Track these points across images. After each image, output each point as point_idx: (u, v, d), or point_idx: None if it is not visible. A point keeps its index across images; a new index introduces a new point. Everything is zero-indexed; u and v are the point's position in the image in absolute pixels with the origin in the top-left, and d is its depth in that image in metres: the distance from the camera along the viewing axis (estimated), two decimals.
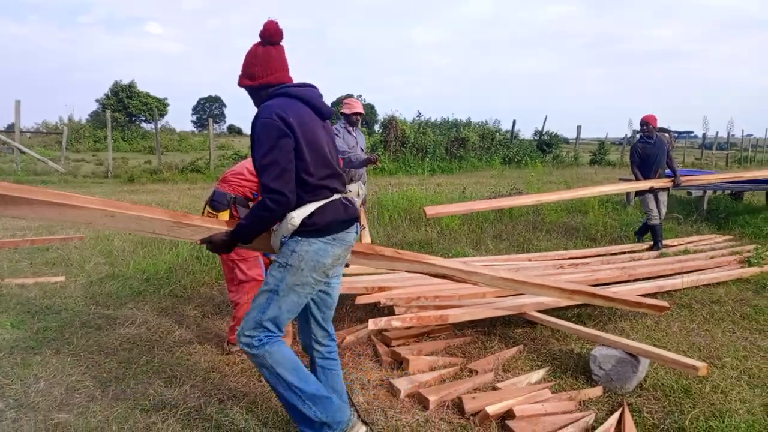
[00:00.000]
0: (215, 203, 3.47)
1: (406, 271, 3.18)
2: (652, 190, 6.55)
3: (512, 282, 3.41)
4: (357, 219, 2.49)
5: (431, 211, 5.31)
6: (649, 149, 6.59)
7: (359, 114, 5.30)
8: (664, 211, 6.77)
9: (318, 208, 2.28)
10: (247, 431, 2.66)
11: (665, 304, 3.89)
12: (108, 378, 3.18)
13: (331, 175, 2.37)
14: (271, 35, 2.35)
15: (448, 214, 5.76)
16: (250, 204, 3.57)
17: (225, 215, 3.44)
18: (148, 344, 3.70)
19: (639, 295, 4.08)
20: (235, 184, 3.52)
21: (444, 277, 3.21)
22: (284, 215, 2.24)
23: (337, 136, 5.17)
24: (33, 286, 4.82)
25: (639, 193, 6.80)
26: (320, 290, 2.46)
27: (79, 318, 4.12)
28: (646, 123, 6.64)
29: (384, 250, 2.96)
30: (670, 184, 6.61)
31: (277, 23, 2.36)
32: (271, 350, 2.30)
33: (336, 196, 2.38)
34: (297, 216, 2.24)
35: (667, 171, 6.76)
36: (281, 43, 2.41)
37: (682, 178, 6.78)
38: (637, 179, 6.67)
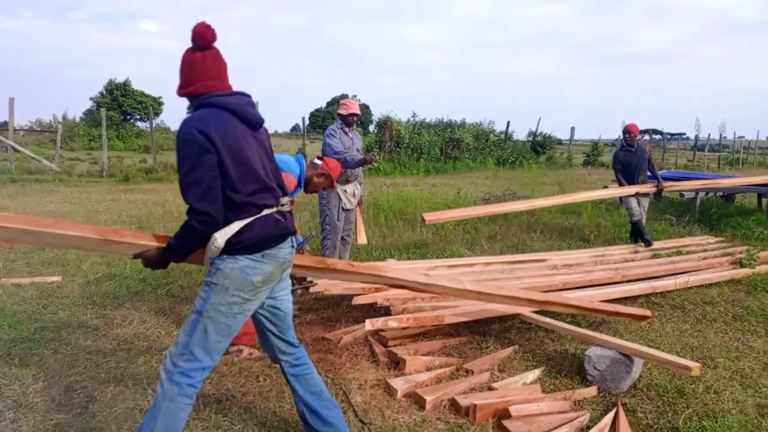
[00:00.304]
0: None
1: (364, 283, 3.17)
2: (637, 195, 6.81)
3: (476, 294, 3.37)
4: (291, 233, 2.34)
5: (430, 217, 5.43)
6: (630, 157, 6.90)
7: (355, 115, 5.30)
8: (644, 216, 7.00)
9: (245, 226, 2.14)
10: (245, 431, 2.68)
11: (647, 312, 3.88)
12: (106, 378, 3.19)
13: (260, 189, 2.21)
14: (197, 39, 2.18)
15: (446, 219, 5.84)
16: None
17: None
18: (145, 344, 3.71)
19: (625, 298, 4.13)
20: None
21: (403, 287, 3.16)
22: (211, 235, 2.11)
23: (333, 136, 5.19)
24: (29, 286, 4.82)
25: (621, 199, 7.16)
26: (269, 305, 2.37)
27: (77, 318, 4.13)
28: (629, 132, 6.97)
29: (336, 263, 2.90)
30: (653, 189, 6.88)
31: (206, 25, 2.18)
32: (175, 397, 2.14)
33: (266, 212, 2.22)
34: (220, 237, 2.10)
35: (650, 176, 7.00)
36: (214, 46, 2.23)
37: (666, 183, 7.08)
38: (621, 185, 6.94)
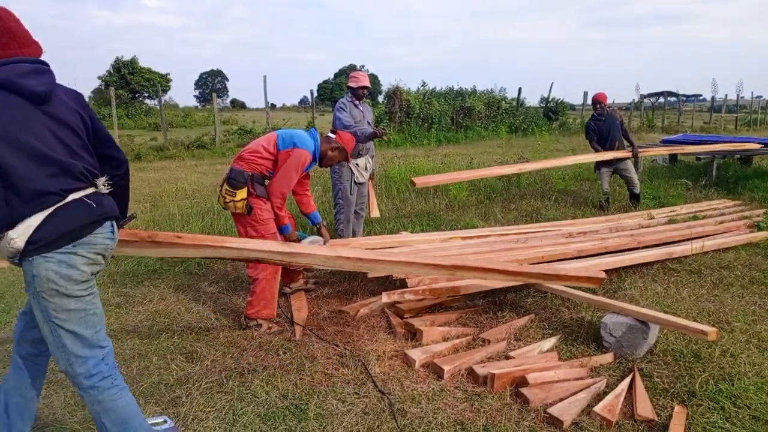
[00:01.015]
0: (233, 181, 3.52)
1: (202, 258, 2.77)
2: (614, 163, 7.20)
3: (355, 261, 2.96)
4: (108, 217, 2.01)
5: (419, 180, 5.73)
6: (601, 125, 7.23)
7: (365, 88, 5.26)
8: (635, 177, 7.35)
9: (45, 219, 1.82)
10: (268, 403, 2.75)
11: (600, 275, 3.76)
12: (131, 354, 3.27)
13: (58, 173, 1.87)
14: None
15: (436, 183, 6.15)
16: (266, 182, 3.62)
17: (243, 193, 3.50)
18: (167, 321, 3.79)
19: (641, 264, 4.10)
20: (252, 162, 3.57)
21: (258, 261, 2.83)
22: None
23: (344, 110, 5.15)
24: None
25: (596, 169, 7.41)
26: None
27: (99, 296, 4.20)
28: (598, 102, 7.28)
29: (157, 236, 2.40)
30: (628, 154, 7.23)
31: None
32: (100, 397, 2.03)
33: (72, 197, 1.89)
34: (17, 236, 1.79)
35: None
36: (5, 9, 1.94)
37: (648, 149, 8.03)
38: (597, 152, 7.26)
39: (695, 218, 6.32)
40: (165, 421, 2.55)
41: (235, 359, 3.21)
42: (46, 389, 2.86)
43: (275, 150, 3.59)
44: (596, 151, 7.21)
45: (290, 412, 2.67)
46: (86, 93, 38.21)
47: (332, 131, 3.92)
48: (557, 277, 3.68)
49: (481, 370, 2.97)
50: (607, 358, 3.20)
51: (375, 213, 5.55)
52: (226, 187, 3.55)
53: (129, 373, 3.04)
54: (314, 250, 2.99)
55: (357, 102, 5.28)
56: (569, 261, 4.42)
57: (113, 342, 3.40)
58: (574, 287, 3.81)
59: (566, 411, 2.64)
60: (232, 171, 3.56)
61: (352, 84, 5.24)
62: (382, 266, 3.15)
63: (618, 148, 7.19)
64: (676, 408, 2.68)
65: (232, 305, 4.09)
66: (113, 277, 4.68)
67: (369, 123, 5.41)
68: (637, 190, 7.32)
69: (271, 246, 2.77)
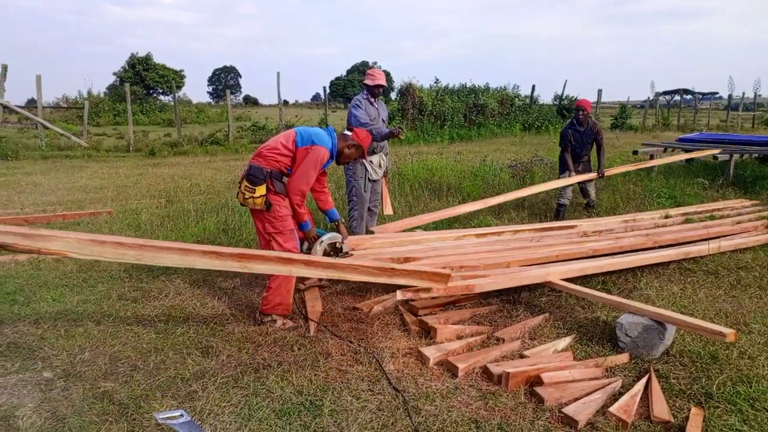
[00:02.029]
0: (252, 177, 3.54)
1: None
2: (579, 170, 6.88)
3: (138, 248, 2.63)
4: None
5: (378, 229, 5.12)
6: (578, 136, 6.81)
7: (381, 86, 5.25)
8: (592, 191, 7.05)
9: None
10: (283, 398, 2.76)
11: (447, 272, 3.48)
12: (148, 348, 3.31)
13: None
14: None
15: (395, 230, 5.20)
16: (284, 179, 3.64)
17: (262, 189, 3.53)
18: (182, 316, 3.82)
19: (657, 264, 4.05)
20: (271, 159, 3.59)
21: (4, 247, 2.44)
22: None
23: (360, 107, 5.15)
24: (68, 260, 4.97)
25: (561, 172, 7.01)
26: None
27: (116, 291, 4.26)
28: (581, 108, 6.75)
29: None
30: (594, 176, 6.93)
31: None
32: None
33: None
34: None
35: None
36: None
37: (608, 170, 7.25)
38: (563, 164, 6.89)
39: (712, 218, 6.25)
40: (182, 415, 2.58)
41: (250, 355, 3.23)
42: (65, 382, 2.90)
43: (294, 147, 3.60)
44: (564, 161, 6.84)
45: (305, 408, 2.68)
46: (102, 88, 38.59)
47: (349, 129, 3.93)
48: (387, 272, 3.30)
49: (495, 369, 2.96)
50: (623, 358, 3.18)
51: (388, 210, 5.55)
52: (245, 183, 3.57)
53: (146, 367, 3.07)
54: (68, 234, 2.52)
55: (372, 99, 5.28)
56: (583, 260, 4.39)
57: (130, 335, 3.46)
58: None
59: (581, 411, 2.63)
60: (252, 168, 3.58)
61: (368, 81, 5.24)
62: (165, 254, 2.71)
63: (587, 161, 6.96)
64: (693, 410, 2.66)
65: (247, 301, 4.12)
66: (129, 272, 4.72)
67: (384, 121, 5.40)
68: (592, 203, 7.06)
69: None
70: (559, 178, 7.03)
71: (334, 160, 3.82)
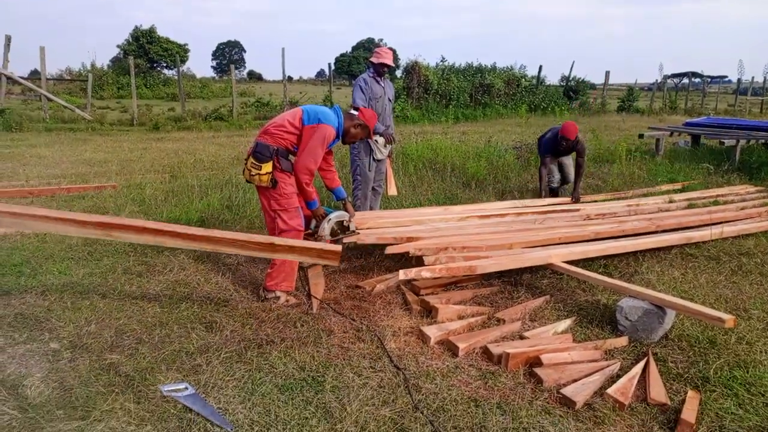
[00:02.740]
0: (258, 155, 3.55)
1: None
2: (559, 157, 6.51)
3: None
4: None
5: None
6: (561, 150, 6.35)
7: (386, 66, 5.21)
8: (571, 175, 6.58)
9: None
10: (285, 374, 2.81)
11: (337, 248, 3.52)
12: (153, 322, 3.35)
13: None
14: None
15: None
16: (291, 157, 3.64)
17: (268, 166, 3.54)
18: (186, 290, 3.87)
19: (659, 248, 4.06)
20: (277, 137, 3.59)
21: None
22: None
23: (361, 90, 5.11)
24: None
25: (543, 162, 6.47)
26: None
27: (121, 265, 4.30)
28: (565, 138, 6.07)
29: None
30: (567, 201, 6.22)
31: None
32: None
33: None
34: None
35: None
36: None
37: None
38: (543, 165, 6.41)
39: (716, 203, 6.24)
40: (186, 388, 2.64)
41: (254, 331, 3.27)
42: (72, 353, 2.95)
43: (300, 125, 3.60)
44: (546, 165, 6.34)
45: (307, 384, 2.73)
46: (105, 61, 38.30)
47: (355, 108, 3.92)
48: (268, 248, 3.34)
49: (495, 349, 3.00)
50: (622, 341, 3.21)
51: (392, 191, 5.55)
52: (252, 160, 3.58)
53: (151, 341, 3.11)
54: None
55: (379, 78, 5.24)
56: (585, 243, 4.40)
57: (135, 309, 3.50)
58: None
59: (579, 392, 2.67)
60: (258, 145, 3.58)
61: (373, 59, 5.19)
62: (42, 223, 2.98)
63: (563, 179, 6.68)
64: (690, 393, 2.69)
65: (251, 277, 4.16)
66: (134, 246, 4.75)
67: (390, 100, 5.37)
68: (570, 182, 6.61)
69: None
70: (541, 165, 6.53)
71: (340, 139, 3.82)
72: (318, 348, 3.08)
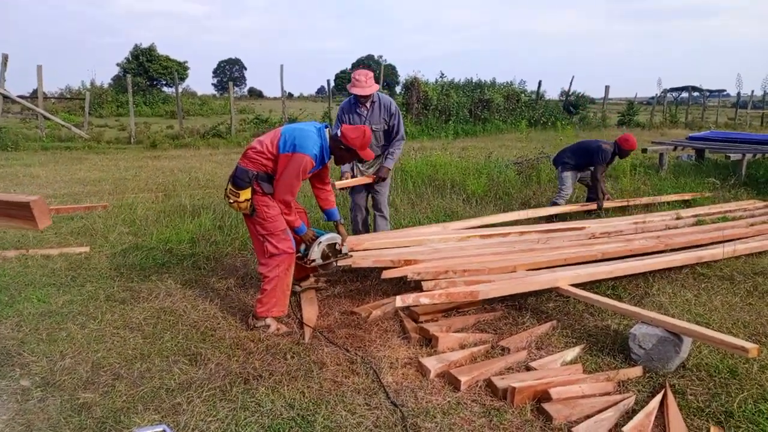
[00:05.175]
0: (237, 180, 3.37)
1: None
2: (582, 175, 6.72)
3: None
4: None
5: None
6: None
7: (363, 97, 4.45)
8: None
9: None
10: (273, 413, 2.59)
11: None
12: (133, 355, 3.13)
13: None
14: None
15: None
16: (273, 179, 3.44)
17: (246, 193, 3.37)
18: (172, 319, 3.65)
19: (669, 269, 3.85)
20: (257, 162, 3.42)
21: None
22: None
23: (339, 120, 4.58)
24: (58, 257, 4.81)
25: (564, 170, 6.63)
26: None
27: (104, 291, 4.09)
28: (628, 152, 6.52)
29: None
30: (593, 207, 6.61)
31: None
32: None
33: None
34: None
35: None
36: None
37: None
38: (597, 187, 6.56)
39: (724, 219, 6.04)
40: (164, 431, 2.41)
41: (240, 363, 3.05)
42: (43, 392, 2.73)
43: (276, 151, 3.39)
44: (598, 179, 6.47)
45: (296, 424, 2.50)
46: (107, 80, 38.43)
47: (339, 130, 3.60)
48: None
49: (500, 383, 2.78)
50: (636, 371, 2.99)
51: (338, 185, 4.68)
52: (230, 186, 3.40)
53: (130, 376, 2.90)
54: None
55: (360, 103, 4.56)
56: (592, 264, 4.19)
57: (116, 339, 3.29)
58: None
59: (593, 430, 2.45)
60: (238, 170, 3.41)
61: (348, 87, 4.49)
62: None
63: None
64: (713, 430, 2.48)
65: (240, 303, 3.94)
66: (120, 270, 4.55)
67: (374, 130, 4.60)
68: (558, 200, 6.61)
69: None
70: (560, 174, 6.65)
71: (330, 159, 3.61)
72: (309, 383, 2.85)
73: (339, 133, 3.48)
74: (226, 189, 3.48)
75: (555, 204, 6.58)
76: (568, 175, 6.60)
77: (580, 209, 6.55)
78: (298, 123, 3.63)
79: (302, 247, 3.70)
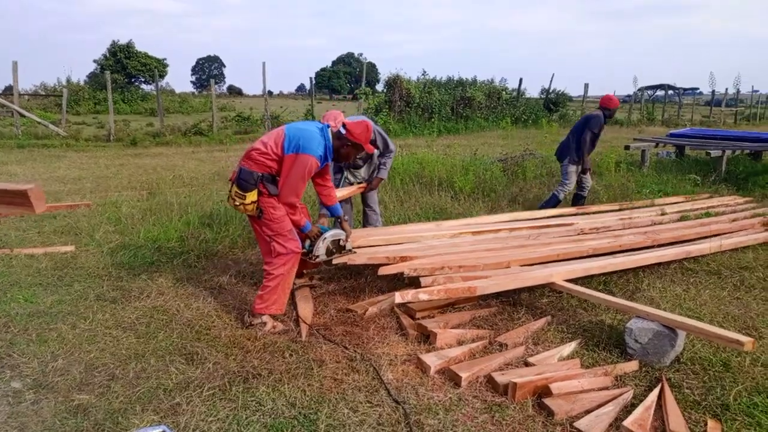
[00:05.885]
0: (242, 182, 3.31)
1: None
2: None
3: None
4: None
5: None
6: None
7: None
8: (590, 183, 6.83)
9: None
10: (274, 412, 2.56)
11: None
12: (127, 355, 3.07)
13: None
14: None
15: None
16: (277, 179, 3.40)
17: (252, 195, 3.31)
18: (165, 318, 3.59)
19: (658, 264, 3.90)
20: (261, 163, 3.36)
21: None
22: None
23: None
24: (43, 257, 4.70)
25: (569, 163, 6.63)
26: None
27: (93, 290, 4.01)
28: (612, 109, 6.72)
29: None
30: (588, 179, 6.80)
31: None
32: None
33: None
34: None
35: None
36: None
37: None
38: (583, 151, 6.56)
39: (708, 215, 6.15)
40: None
41: (238, 362, 3.01)
42: (36, 394, 2.66)
43: (281, 152, 3.35)
44: (589, 150, 6.55)
45: (299, 423, 2.48)
46: (82, 77, 37.68)
47: (343, 125, 3.58)
48: None
49: (501, 379, 2.79)
50: (632, 365, 3.02)
51: (339, 194, 4.50)
52: (235, 189, 3.35)
53: (125, 376, 2.84)
54: None
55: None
56: (585, 260, 4.24)
57: (108, 339, 3.22)
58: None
59: (594, 425, 2.48)
60: (242, 171, 3.34)
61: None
62: None
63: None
64: (710, 423, 2.52)
65: (234, 301, 3.89)
66: (108, 269, 4.46)
67: (349, 180, 4.80)
68: (560, 195, 6.66)
69: None
70: (567, 168, 6.62)
71: (332, 159, 3.57)
72: (309, 381, 2.83)
73: (343, 131, 3.46)
74: (229, 192, 3.42)
75: (555, 196, 6.64)
76: (573, 170, 6.61)
77: (576, 212, 6.48)
78: (300, 122, 3.60)
79: (307, 243, 3.67)
